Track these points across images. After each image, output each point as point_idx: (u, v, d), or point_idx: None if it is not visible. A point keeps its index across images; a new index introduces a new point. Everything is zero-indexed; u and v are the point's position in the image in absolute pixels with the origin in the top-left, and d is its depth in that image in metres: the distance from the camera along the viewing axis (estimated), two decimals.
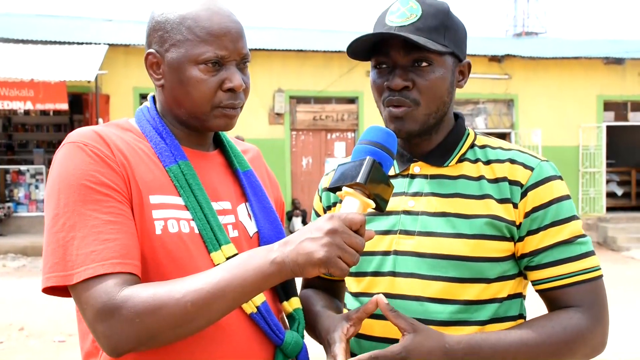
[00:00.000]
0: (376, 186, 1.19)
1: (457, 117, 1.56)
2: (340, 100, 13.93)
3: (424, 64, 1.41)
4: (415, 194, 1.47)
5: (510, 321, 1.44)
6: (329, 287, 1.66)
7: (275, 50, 13.14)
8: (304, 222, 12.95)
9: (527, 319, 1.48)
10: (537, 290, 1.45)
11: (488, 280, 1.41)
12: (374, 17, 1.51)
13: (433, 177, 1.48)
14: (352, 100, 13.89)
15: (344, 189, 1.20)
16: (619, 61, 14.43)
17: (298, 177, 13.78)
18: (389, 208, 1.46)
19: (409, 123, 1.43)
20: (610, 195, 15.33)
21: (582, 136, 14.56)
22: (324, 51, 13.25)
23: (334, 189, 1.23)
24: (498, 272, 1.41)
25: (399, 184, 1.50)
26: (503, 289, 1.43)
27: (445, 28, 1.43)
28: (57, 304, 6.42)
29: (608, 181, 15.35)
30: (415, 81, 1.42)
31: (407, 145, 1.51)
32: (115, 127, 1.36)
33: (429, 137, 1.49)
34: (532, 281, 1.45)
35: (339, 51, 12.91)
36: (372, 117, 12.98)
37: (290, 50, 13.25)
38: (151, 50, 1.36)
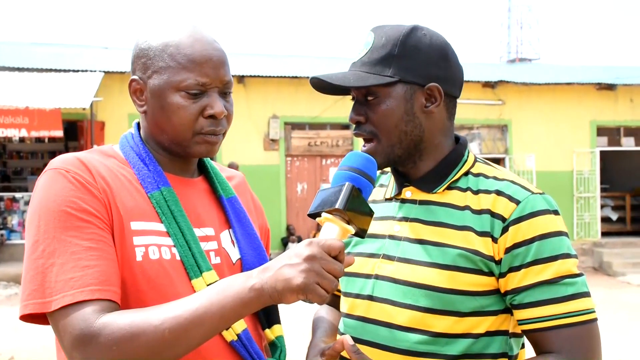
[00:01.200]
0: (355, 212, 1.19)
1: (459, 141, 1.50)
2: (334, 126, 13.98)
3: (370, 97, 1.42)
4: (402, 219, 1.46)
5: (488, 359, 1.37)
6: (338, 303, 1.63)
7: (270, 76, 13.21)
8: None
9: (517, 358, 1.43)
10: (522, 332, 1.38)
11: (460, 314, 1.35)
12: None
13: (422, 202, 1.45)
14: (346, 126, 13.93)
15: (323, 214, 1.19)
16: (611, 87, 14.55)
17: (293, 203, 13.76)
18: (377, 231, 1.46)
19: (374, 157, 1.38)
20: (605, 220, 15.32)
21: (576, 161, 14.60)
22: None
23: (314, 214, 1.22)
24: (473, 306, 1.36)
25: (390, 208, 1.49)
26: (479, 324, 1.36)
27: (394, 57, 1.40)
28: (47, 332, 6.33)
29: (602, 206, 15.36)
30: (368, 115, 1.44)
31: (399, 170, 1.50)
32: (98, 154, 1.36)
33: (413, 164, 1.46)
34: (517, 320, 1.37)
35: None
36: None
37: (285, 76, 13.32)
38: (135, 77, 1.36)
